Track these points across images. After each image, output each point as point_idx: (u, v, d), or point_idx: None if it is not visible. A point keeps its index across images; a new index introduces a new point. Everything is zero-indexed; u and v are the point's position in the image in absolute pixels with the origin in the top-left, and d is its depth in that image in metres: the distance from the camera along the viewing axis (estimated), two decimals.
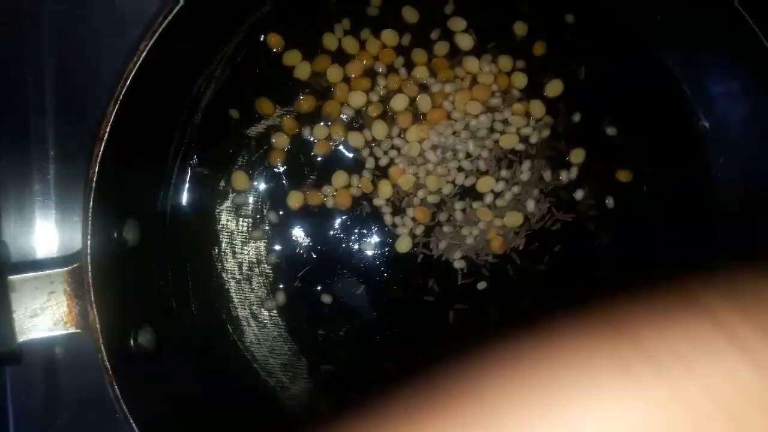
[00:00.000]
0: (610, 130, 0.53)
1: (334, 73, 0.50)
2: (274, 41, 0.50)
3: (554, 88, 0.53)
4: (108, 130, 0.41)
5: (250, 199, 0.50)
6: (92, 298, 0.41)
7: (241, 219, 0.50)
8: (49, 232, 0.51)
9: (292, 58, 0.50)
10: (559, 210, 0.52)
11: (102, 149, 0.41)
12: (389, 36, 0.51)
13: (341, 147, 0.51)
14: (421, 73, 0.51)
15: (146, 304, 0.46)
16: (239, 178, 0.50)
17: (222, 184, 0.50)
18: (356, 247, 0.51)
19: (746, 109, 0.52)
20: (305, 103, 0.50)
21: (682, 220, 0.55)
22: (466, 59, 0.52)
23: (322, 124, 0.50)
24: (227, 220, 0.50)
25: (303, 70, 0.50)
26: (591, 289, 0.53)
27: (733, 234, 0.53)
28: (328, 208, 0.51)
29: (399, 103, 0.51)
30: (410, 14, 0.51)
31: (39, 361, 0.49)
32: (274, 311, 0.50)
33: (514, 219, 0.52)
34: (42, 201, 0.51)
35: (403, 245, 0.51)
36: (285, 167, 0.50)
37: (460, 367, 0.26)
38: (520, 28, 0.52)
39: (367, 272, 0.51)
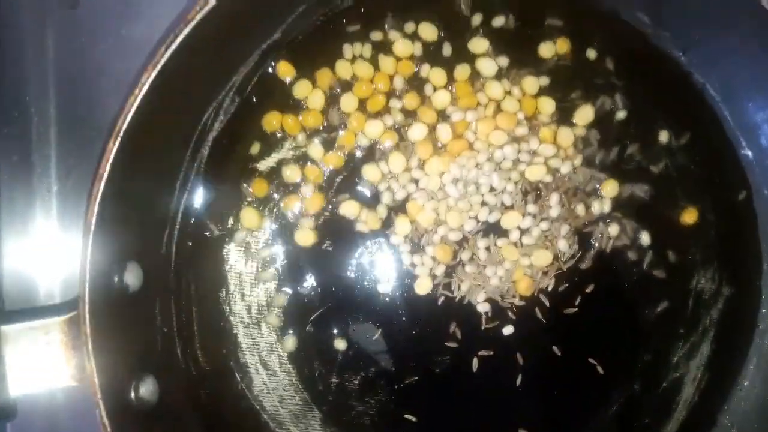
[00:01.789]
0: (644, 159, 0.49)
1: (347, 103, 0.47)
2: (285, 70, 0.47)
3: (584, 115, 0.49)
4: (108, 167, 0.39)
5: (261, 238, 0.47)
6: (90, 349, 0.38)
7: (250, 259, 0.47)
8: (52, 272, 0.49)
9: (303, 89, 0.47)
10: (590, 248, 0.49)
11: (101, 188, 0.39)
12: (403, 47, 0.48)
13: (356, 180, 0.48)
14: (441, 98, 0.48)
15: (148, 352, 0.44)
16: (250, 216, 0.47)
17: (231, 222, 0.47)
18: (372, 288, 0.47)
19: None
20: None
21: (724, 254, 0.51)
22: (488, 84, 0.48)
23: (337, 153, 0.48)
24: (236, 261, 0.47)
25: (316, 101, 0.47)
26: (627, 332, 0.50)
27: None
28: (341, 247, 0.47)
29: (417, 132, 0.48)
30: (428, 31, 0.48)
31: (39, 416, 0.46)
32: (285, 358, 0.47)
33: (542, 258, 0.48)
34: (45, 239, 0.49)
35: (423, 286, 0.47)
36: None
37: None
38: (546, 49, 0.49)
39: (383, 316, 0.47)
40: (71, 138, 0.49)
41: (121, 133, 0.39)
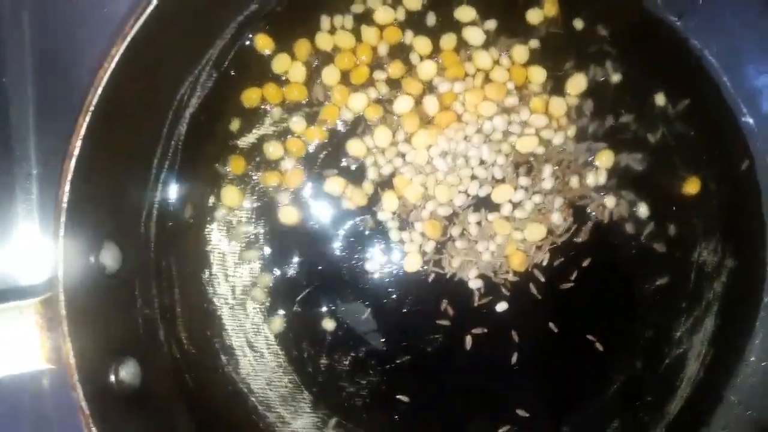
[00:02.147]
0: (640, 128, 0.48)
1: (329, 75, 0.46)
2: (263, 43, 0.45)
3: (577, 84, 0.47)
4: (79, 144, 0.38)
5: (243, 217, 0.46)
6: (65, 330, 0.37)
7: (233, 239, 0.46)
8: (32, 256, 0.47)
9: (282, 63, 0.46)
10: (586, 221, 0.47)
11: (72, 166, 0.38)
12: (385, 14, 0.46)
13: (341, 156, 0.46)
14: (427, 68, 0.46)
15: (129, 334, 0.42)
16: (230, 194, 0.45)
17: (212, 200, 0.46)
18: (360, 266, 0.46)
19: None
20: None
21: (727, 225, 0.49)
22: (476, 54, 0.47)
23: (320, 127, 0.46)
24: (218, 240, 0.46)
25: (296, 74, 0.46)
26: (626, 307, 0.48)
27: None
28: (327, 224, 0.46)
29: (403, 105, 0.46)
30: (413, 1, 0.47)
31: (13, 399, 0.45)
32: (272, 339, 0.46)
33: (535, 232, 0.46)
34: (25, 222, 0.48)
35: (412, 263, 0.46)
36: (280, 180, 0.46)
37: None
38: (534, 15, 0.47)
39: (373, 294, 0.46)
40: (50, 120, 0.48)
41: (92, 108, 0.38)
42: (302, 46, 0.46)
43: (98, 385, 0.38)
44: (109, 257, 0.41)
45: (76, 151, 0.37)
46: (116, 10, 0.47)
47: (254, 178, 0.46)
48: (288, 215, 0.46)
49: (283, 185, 0.46)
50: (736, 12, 0.46)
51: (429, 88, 0.47)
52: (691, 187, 0.48)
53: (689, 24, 0.48)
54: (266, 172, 0.46)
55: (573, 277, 0.47)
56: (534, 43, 0.47)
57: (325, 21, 0.46)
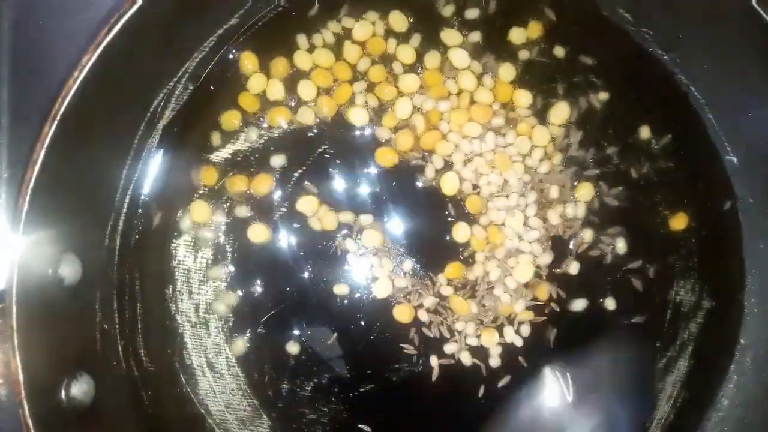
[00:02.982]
0: (623, 162, 0.47)
1: (305, 91, 0.45)
2: (249, 62, 0.44)
3: (560, 113, 0.47)
4: (43, 153, 0.37)
5: (211, 233, 0.45)
6: (15, 344, 0.35)
7: (200, 255, 0.45)
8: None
9: (259, 83, 0.45)
10: (565, 254, 0.46)
11: (35, 175, 0.37)
12: (363, 29, 0.45)
13: (317, 176, 0.45)
14: (408, 82, 0.45)
15: (85, 349, 0.41)
16: (200, 209, 0.44)
17: (180, 215, 0.45)
18: (329, 290, 0.45)
19: None
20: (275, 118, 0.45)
21: (706, 265, 0.48)
22: (461, 75, 0.46)
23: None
24: (184, 256, 0.45)
25: (275, 93, 0.45)
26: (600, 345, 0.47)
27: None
28: (298, 244, 0.45)
29: (384, 134, 0.45)
30: (399, 22, 0.46)
31: None
32: (233, 360, 0.45)
33: (524, 272, 0.45)
34: None
35: (382, 290, 0.45)
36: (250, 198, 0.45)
37: None
38: (517, 35, 0.47)
39: (340, 319, 0.45)
40: (24, 125, 0.47)
41: (58, 117, 0.37)
42: (280, 64, 0.45)
43: (47, 402, 0.37)
44: (69, 270, 0.40)
45: (40, 160, 0.37)
46: (94, 14, 0.46)
47: (225, 194, 0.45)
48: (257, 233, 0.45)
49: (252, 195, 0.45)
50: (721, 51, 0.46)
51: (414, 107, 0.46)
52: (676, 223, 0.48)
53: (676, 58, 0.47)
54: (234, 177, 0.45)
55: (546, 311, 0.46)
56: (519, 66, 0.46)
57: (302, 40, 0.45)
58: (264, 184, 0.45)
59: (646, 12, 0.46)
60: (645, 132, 0.48)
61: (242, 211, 0.45)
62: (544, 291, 0.46)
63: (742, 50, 0.44)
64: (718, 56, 0.46)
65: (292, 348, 0.44)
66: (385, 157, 0.45)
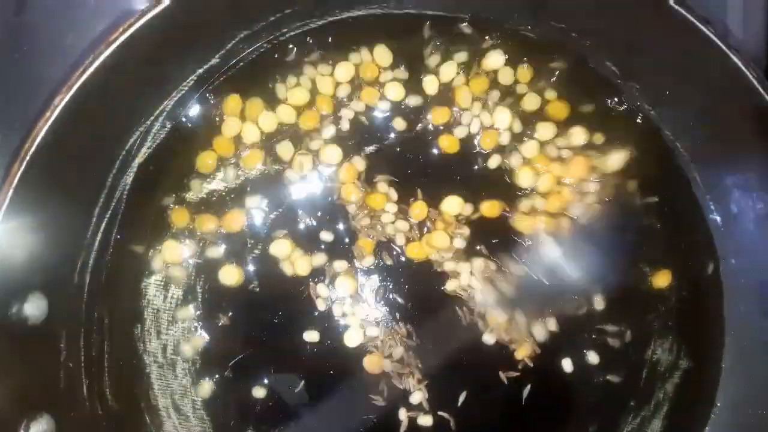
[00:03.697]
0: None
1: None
2: (233, 105, 0.44)
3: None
4: (11, 193, 0.36)
5: (182, 273, 0.44)
6: None
7: (170, 294, 0.44)
8: None
9: (234, 126, 0.44)
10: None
11: (1, 215, 0.36)
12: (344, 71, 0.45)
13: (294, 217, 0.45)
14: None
15: (47, 388, 0.40)
16: (171, 249, 0.44)
17: (151, 254, 0.44)
18: (299, 336, 0.44)
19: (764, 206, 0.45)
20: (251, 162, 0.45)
21: (684, 324, 0.47)
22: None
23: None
24: (154, 295, 0.44)
25: (251, 136, 0.45)
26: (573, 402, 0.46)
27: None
28: (269, 287, 0.44)
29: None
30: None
31: None
32: (199, 404, 0.44)
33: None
34: None
35: (353, 339, 0.44)
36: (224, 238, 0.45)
37: None
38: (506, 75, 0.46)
39: (308, 366, 0.44)
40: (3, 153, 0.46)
41: (28, 157, 0.37)
42: (256, 106, 0.44)
43: None
44: (34, 308, 0.39)
45: (6, 201, 0.36)
46: (79, 42, 0.46)
47: (198, 234, 0.44)
48: (229, 275, 0.44)
49: (221, 230, 0.44)
50: (708, 108, 0.45)
51: None
52: (659, 281, 0.47)
53: (662, 114, 0.47)
54: (203, 216, 0.44)
55: (520, 367, 0.45)
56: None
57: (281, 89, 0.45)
58: (236, 222, 0.44)
59: (635, 67, 0.46)
60: (632, 185, 0.47)
61: (215, 252, 0.44)
62: (525, 350, 0.45)
63: (728, 110, 0.43)
64: (703, 112, 0.45)
65: (259, 393, 0.44)
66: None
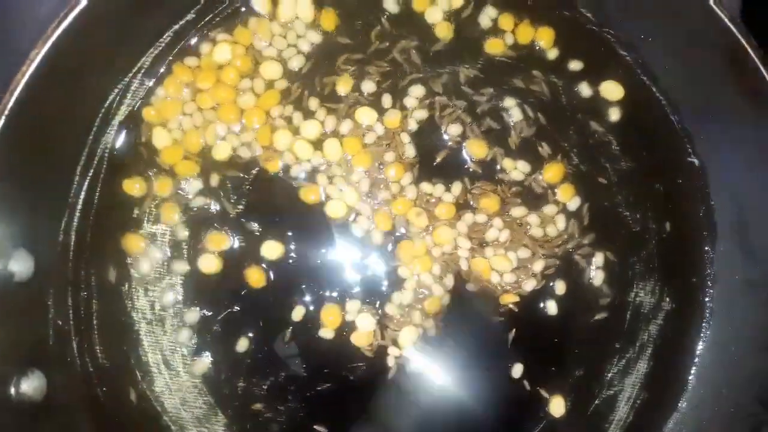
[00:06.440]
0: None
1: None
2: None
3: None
4: None
5: (169, 230, 0.45)
6: None
7: (157, 251, 0.44)
8: None
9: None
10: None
11: None
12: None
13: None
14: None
15: (37, 345, 0.41)
16: (165, 209, 0.44)
17: (137, 212, 0.44)
18: (285, 295, 0.45)
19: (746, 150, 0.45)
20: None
21: (667, 266, 0.48)
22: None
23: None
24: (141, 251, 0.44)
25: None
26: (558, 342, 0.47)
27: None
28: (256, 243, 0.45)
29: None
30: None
31: None
32: (189, 358, 0.44)
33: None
34: None
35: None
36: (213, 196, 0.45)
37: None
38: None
39: (295, 318, 0.45)
40: None
41: (6, 112, 0.37)
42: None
43: None
44: (20, 265, 0.40)
45: None
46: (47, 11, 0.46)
47: (186, 196, 0.45)
48: (216, 240, 0.44)
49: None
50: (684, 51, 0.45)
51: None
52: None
53: (644, 58, 0.47)
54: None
55: (501, 311, 0.46)
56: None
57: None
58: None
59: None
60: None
61: (200, 202, 0.45)
62: (509, 297, 0.46)
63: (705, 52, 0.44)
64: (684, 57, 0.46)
65: (248, 346, 0.44)
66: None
